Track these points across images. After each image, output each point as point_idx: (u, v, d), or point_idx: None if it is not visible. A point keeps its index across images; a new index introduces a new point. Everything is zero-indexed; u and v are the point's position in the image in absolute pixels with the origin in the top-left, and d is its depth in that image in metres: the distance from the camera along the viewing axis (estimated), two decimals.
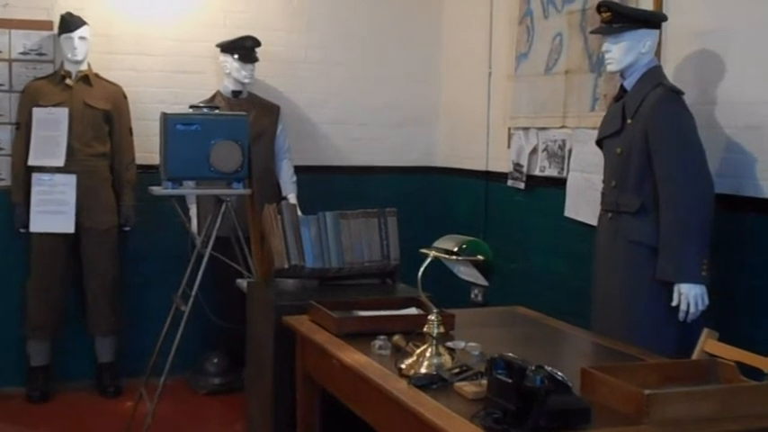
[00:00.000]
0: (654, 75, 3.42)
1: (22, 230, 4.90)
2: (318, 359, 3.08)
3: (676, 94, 3.34)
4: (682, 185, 3.23)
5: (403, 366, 2.58)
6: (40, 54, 5.05)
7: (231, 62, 5.10)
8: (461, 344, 2.83)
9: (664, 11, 3.75)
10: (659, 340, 3.20)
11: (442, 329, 2.66)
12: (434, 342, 2.61)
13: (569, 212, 4.49)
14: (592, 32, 3.86)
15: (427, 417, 2.22)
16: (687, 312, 3.21)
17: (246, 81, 5.14)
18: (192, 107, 4.42)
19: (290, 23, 5.56)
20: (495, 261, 2.79)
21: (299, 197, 5.24)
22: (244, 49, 5.09)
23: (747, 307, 3.41)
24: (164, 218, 5.04)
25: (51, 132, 4.82)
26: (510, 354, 2.21)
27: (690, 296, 3.20)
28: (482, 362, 2.47)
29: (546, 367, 2.10)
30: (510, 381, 2.11)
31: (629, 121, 3.41)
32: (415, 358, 2.60)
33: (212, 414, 4.87)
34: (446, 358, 2.59)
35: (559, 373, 2.11)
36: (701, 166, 3.27)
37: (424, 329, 2.65)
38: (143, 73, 5.25)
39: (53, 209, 4.80)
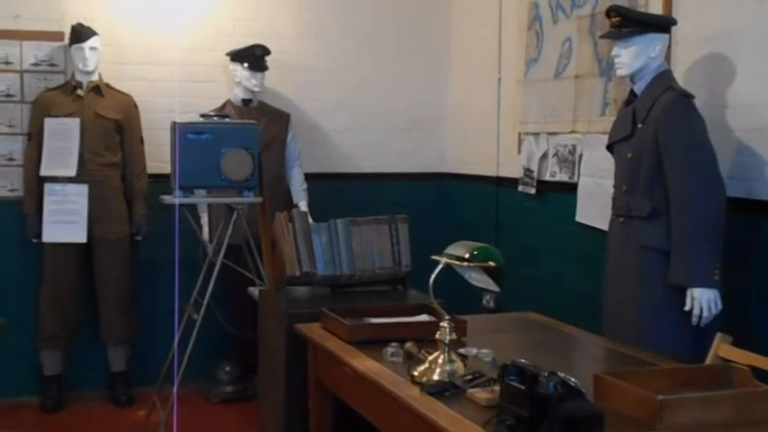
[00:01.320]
0: (664, 79, 3.41)
1: (34, 240, 4.92)
2: (331, 366, 3.08)
3: (686, 97, 3.34)
4: (693, 189, 3.22)
5: (415, 373, 2.58)
6: (51, 65, 5.08)
7: (241, 71, 5.11)
8: (474, 350, 2.83)
9: (673, 15, 3.74)
10: (672, 345, 3.19)
11: (454, 336, 2.66)
12: (447, 349, 2.61)
13: (580, 217, 4.48)
14: (601, 37, 3.85)
15: (440, 424, 2.22)
16: (700, 317, 3.20)
17: (256, 89, 5.15)
18: (202, 116, 4.43)
19: (300, 31, 5.57)
20: (507, 267, 2.78)
21: (309, 204, 5.25)
22: (253, 57, 5.10)
23: (761, 311, 3.40)
24: (175, 227, 5.06)
25: (63, 143, 4.84)
26: (522, 360, 2.20)
27: (702, 300, 3.19)
28: (495, 368, 2.47)
29: (559, 373, 2.10)
30: (523, 387, 2.10)
31: (639, 125, 3.40)
32: (427, 365, 2.60)
33: (225, 422, 4.88)
34: (458, 365, 2.59)
35: (572, 379, 2.10)
36: (712, 169, 3.26)
37: (437, 336, 2.65)
38: (153, 82, 5.27)
39: (65, 219, 4.82)
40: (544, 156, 4.83)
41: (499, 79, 5.33)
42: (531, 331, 3.44)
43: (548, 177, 4.80)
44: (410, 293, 3.86)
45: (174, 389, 4.14)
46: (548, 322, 3.54)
